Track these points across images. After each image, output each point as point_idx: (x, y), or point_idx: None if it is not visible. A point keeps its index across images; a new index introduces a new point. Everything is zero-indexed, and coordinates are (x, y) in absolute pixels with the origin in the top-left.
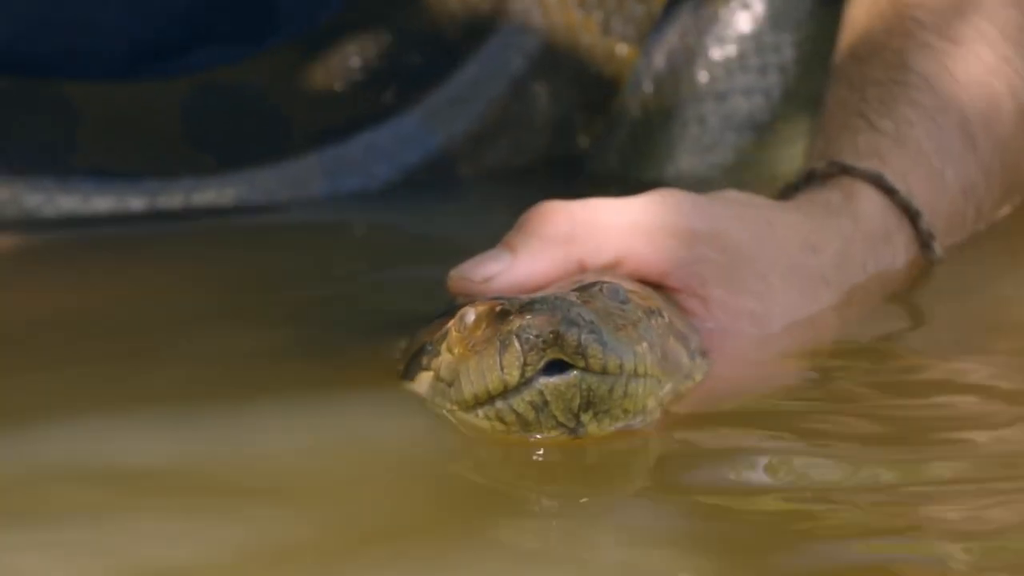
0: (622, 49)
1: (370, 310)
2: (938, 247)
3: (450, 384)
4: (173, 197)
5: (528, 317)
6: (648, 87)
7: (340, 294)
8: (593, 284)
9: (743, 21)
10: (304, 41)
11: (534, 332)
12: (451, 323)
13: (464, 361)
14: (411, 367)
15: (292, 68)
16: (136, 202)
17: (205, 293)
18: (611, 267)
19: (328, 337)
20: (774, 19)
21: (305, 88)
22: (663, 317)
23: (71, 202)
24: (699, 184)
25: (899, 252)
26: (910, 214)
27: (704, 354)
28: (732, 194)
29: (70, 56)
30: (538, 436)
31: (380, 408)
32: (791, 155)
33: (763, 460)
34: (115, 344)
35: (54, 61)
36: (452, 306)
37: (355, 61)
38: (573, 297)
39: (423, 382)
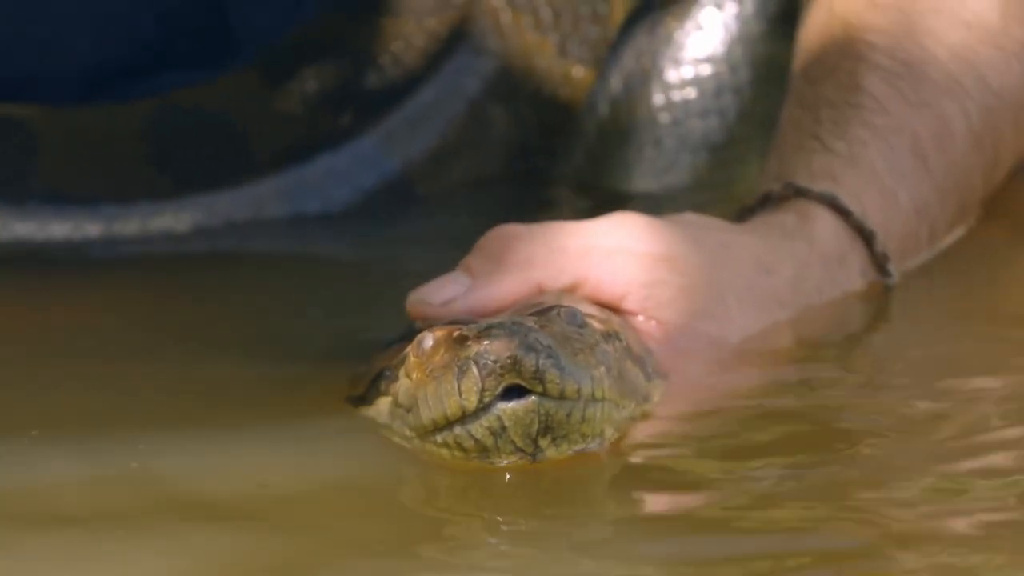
0: (578, 71)
1: (328, 335)
2: (892, 268)
3: (408, 410)
4: (130, 222)
5: (486, 343)
6: (604, 109)
7: (298, 319)
8: (551, 308)
9: (698, 43)
10: (263, 65)
11: (492, 358)
12: (409, 348)
13: (422, 387)
14: (370, 392)
15: (251, 91)
16: (93, 227)
17: (162, 321)
18: (569, 290)
19: (285, 362)
20: (729, 40)
21: (264, 111)
22: (620, 340)
23: (27, 228)
24: (656, 205)
25: (854, 273)
26: (864, 235)
27: (661, 376)
28: (689, 217)
29: (30, 80)
30: (496, 463)
31: (335, 434)
32: (747, 175)
33: (717, 484)
34: (74, 370)
35: (13, 85)
36: (410, 330)
37: (313, 84)
38: (531, 322)
39: (381, 407)
